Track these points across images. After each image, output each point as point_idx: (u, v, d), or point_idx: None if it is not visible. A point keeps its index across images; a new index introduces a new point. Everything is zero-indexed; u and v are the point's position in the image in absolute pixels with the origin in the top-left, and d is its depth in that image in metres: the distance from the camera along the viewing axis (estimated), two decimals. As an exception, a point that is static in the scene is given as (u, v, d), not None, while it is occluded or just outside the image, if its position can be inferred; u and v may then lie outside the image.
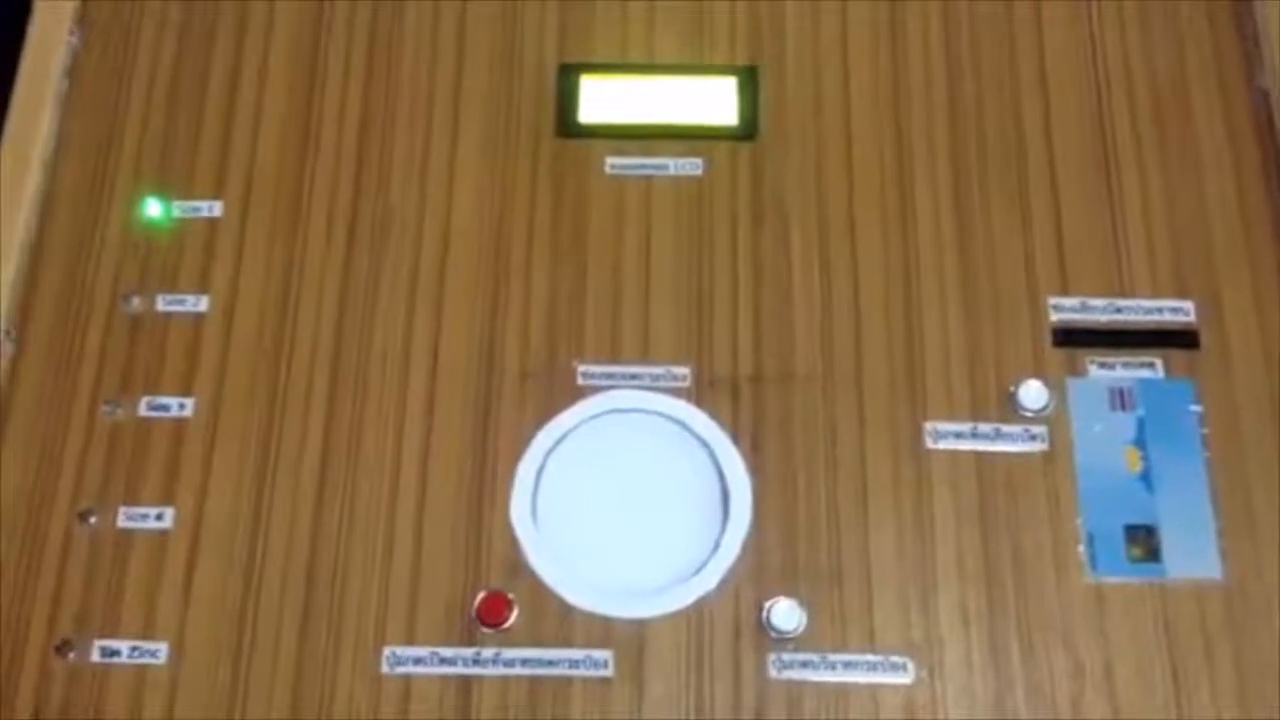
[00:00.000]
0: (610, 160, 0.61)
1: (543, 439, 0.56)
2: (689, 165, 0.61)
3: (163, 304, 0.58)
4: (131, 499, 0.55)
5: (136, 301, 0.58)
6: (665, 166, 0.61)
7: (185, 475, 0.55)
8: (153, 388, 0.57)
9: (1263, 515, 0.54)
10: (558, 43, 0.64)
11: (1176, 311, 0.58)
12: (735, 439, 0.55)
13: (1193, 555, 0.53)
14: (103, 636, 0.53)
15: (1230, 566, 0.53)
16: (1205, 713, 0.51)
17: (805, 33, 0.64)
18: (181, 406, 0.56)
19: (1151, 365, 0.57)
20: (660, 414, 0.56)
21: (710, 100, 0.62)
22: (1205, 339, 0.57)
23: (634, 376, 0.57)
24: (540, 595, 0.53)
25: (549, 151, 0.61)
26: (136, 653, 0.52)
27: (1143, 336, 0.57)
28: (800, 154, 0.61)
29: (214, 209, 0.60)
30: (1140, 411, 0.56)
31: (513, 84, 0.63)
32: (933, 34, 0.63)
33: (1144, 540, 0.53)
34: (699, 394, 0.56)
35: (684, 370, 0.57)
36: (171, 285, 0.59)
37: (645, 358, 0.57)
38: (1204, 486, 0.54)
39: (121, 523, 0.54)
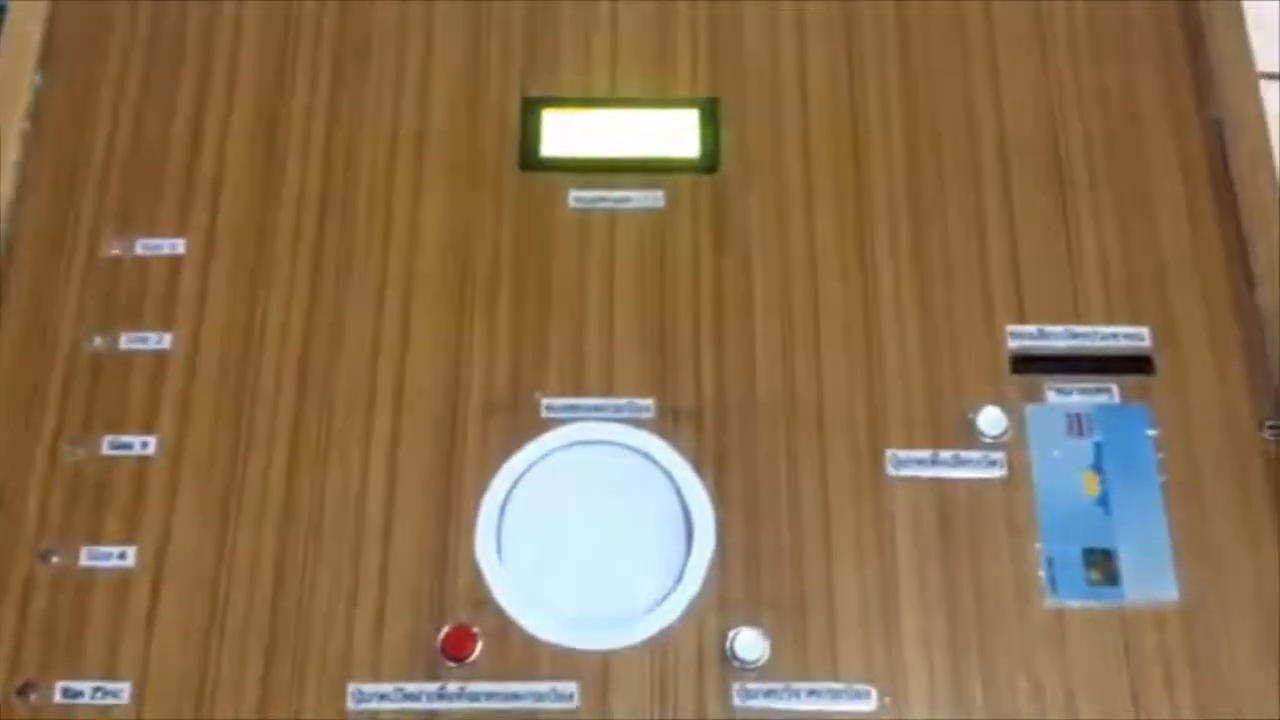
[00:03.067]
0: (573, 194, 0.62)
1: (507, 473, 0.56)
2: (651, 198, 0.61)
3: (125, 342, 0.58)
4: (94, 538, 0.55)
5: (99, 340, 0.58)
6: (628, 199, 0.61)
7: (148, 514, 0.55)
8: (115, 427, 0.57)
9: (1219, 537, 0.54)
10: (521, 77, 0.64)
11: (1131, 337, 0.58)
12: (698, 470, 0.56)
13: (1151, 578, 0.54)
14: (65, 677, 0.52)
15: (1188, 588, 0.54)
16: (1166, 735, 0.51)
17: (765, 65, 0.64)
18: (144, 445, 0.56)
19: (1108, 391, 0.57)
20: (624, 446, 0.56)
21: (672, 132, 0.63)
22: (1160, 364, 0.58)
23: (598, 409, 0.57)
24: (505, 629, 0.53)
25: (512, 186, 0.62)
26: (99, 693, 0.52)
27: (1099, 362, 0.58)
28: (761, 186, 0.62)
29: (177, 246, 0.60)
30: (1097, 437, 0.56)
31: (476, 118, 0.63)
32: (889, 65, 0.64)
33: (1103, 564, 0.54)
34: (662, 425, 0.57)
35: (647, 402, 0.57)
36: (134, 323, 0.59)
37: (609, 390, 0.57)
38: (1161, 510, 0.55)
39: (84, 562, 0.54)
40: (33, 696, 0.52)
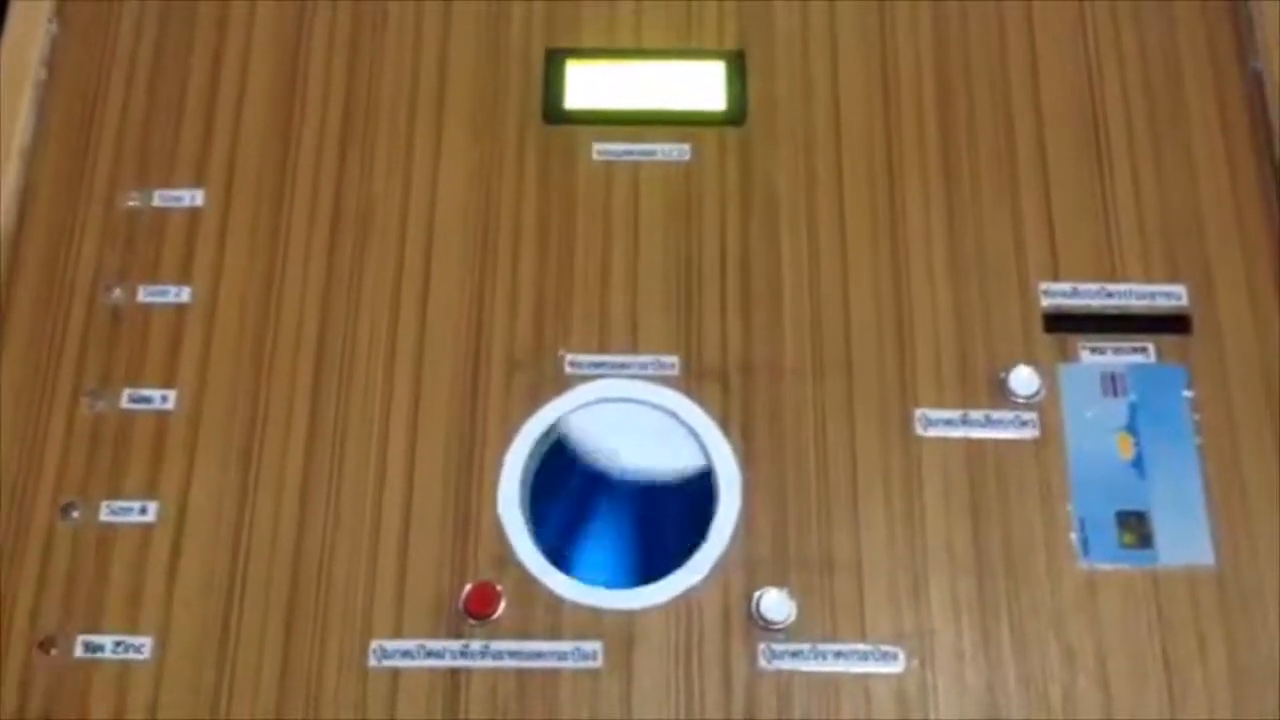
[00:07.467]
0: (597, 146, 0.60)
1: (530, 429, 0.55)
2: (676, 151, 0.60)
3: (144, 295, 0.57)
4: (114, 492, 0.54)
5: (118, 292, 0.58)
6: (652, 152, 0.60)
7: (168, 468, 0.54)
8: (135, 379, 0.56)
9: (1255, 501, 0.53)
10: (544, 28, 0.63)
11: (1168, 296, 0.57)
12: (724, 428, 0.55)
13: (1185, 541, 0.53)
14: (86, 632, 0.52)
15: (1223, 552, 0.53)
16: (1198, 699, 0.51)
17: (793, 17, 0.63)
18: (164, 399, 0.56)
19: (1144, 350, 0.56)
20: (649, 404, 0.56)
21: (698, 85, 0.62)
22: (1197, 323, 0.57)
23: (622, 366, 0.56)
24: (528, 587, 0.53)
25: (535, 138, 0.61)
26: (121, 648, 0.52)
27: (1134, 321, 0.56)
28: (789, 139, 0.60)
29: (195, 198, 0.59)
30: (1132, 397, 0.55)
31: (498, 70, 0.62)
32: (921, 17, 0.63)
33: (1136, 526, 0.53)
34: (688, 383, 0.56)
35: (672, 359, 0.56)
36: (153, 276, 0.58)
37: (634, 347, 0.57)
38: (1197, 472, 0.54)
39: (104, 516, 0.54)
40: (54, 651, 0.52)
